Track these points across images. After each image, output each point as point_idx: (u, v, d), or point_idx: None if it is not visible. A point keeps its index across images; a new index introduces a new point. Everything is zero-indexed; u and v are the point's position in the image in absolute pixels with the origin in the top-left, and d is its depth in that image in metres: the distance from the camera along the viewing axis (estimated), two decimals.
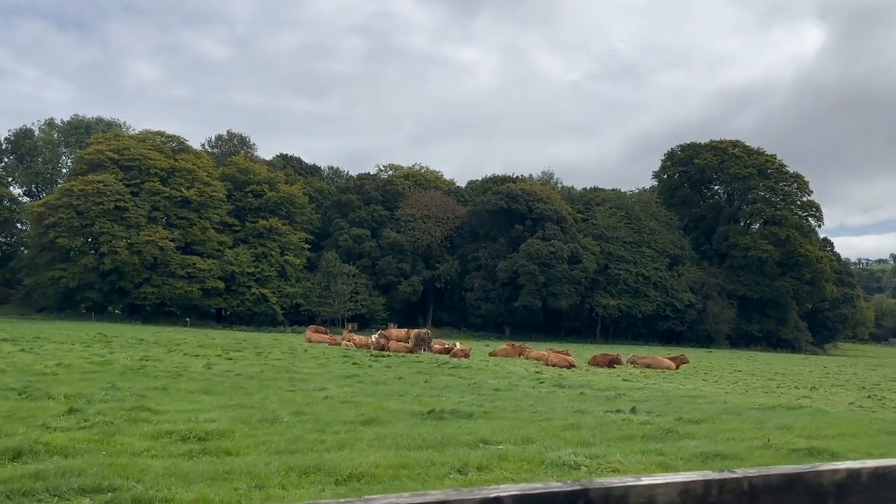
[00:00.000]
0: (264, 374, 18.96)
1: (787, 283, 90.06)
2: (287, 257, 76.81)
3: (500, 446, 9.44)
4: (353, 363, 25.43)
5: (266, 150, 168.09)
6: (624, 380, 24.79)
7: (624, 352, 46.20)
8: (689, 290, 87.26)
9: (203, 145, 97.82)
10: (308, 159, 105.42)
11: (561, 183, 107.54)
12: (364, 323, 78.32)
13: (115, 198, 69.52)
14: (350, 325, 70.18)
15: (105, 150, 72.77)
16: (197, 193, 73.41)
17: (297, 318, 76.38)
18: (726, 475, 1.45)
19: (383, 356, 31.33)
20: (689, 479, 1.40)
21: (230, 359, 24.16)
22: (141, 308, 73.26)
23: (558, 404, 15.78)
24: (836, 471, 1.57)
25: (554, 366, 31.71)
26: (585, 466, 8.19)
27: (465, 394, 17.20)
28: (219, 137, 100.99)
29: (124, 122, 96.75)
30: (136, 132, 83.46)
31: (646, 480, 1.34)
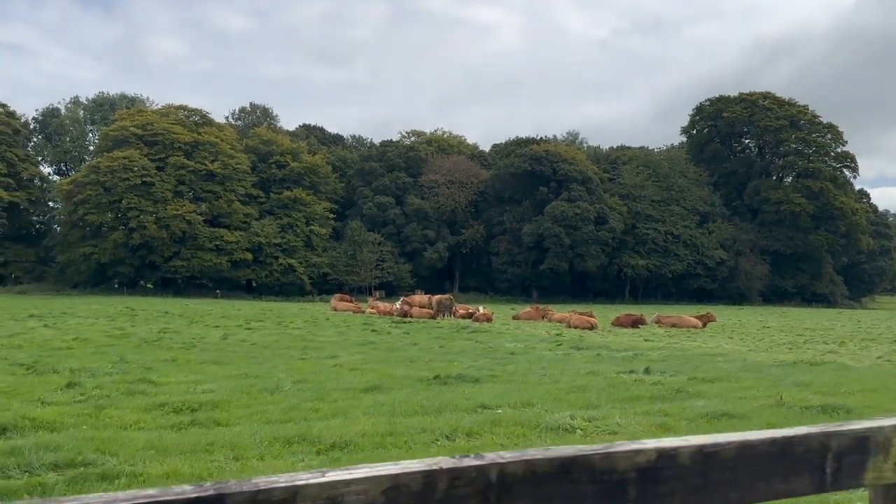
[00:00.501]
0: (279, 343, 19.02)
1: (822, 237, 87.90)
2: (312, 227, 77.12)
3: (499, 411, 9.24)
4: (373, 330, 25.45)
5: (291, 121, 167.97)
6: (646, 340, 24.42)
7: (653, 312, 45.61)
8: (721, 247, 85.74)
9: (227, 118, 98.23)
10: (334, 129, 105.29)
11: (586, 143, 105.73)
12: (391, 290, 78.61)
13: (140, 173, 70.23)
14: (377, 293, 70.61)
15: (129, 126, 73.30)
16: (221, 166, 73.77)
17: (325, 287, 76.95)
18: (465, 462, 1.13)
19: (405, 323, 31.36)
20: (404, 471, 1.08)
21: (249, 329, 24.33)
22: (172, 282, 74.47)
23: (571, 366, 15.53)
24: (639, 451, 1.25)
25: (576, 327, 31.42)
26: (581, 430, 7.94)
27: (478, 358, 17.04)
28: (242, 110, 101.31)
29: (147, 98, 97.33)
30: (159, 107, 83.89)
31: (331, 476, 1.04)
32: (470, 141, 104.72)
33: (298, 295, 74.92)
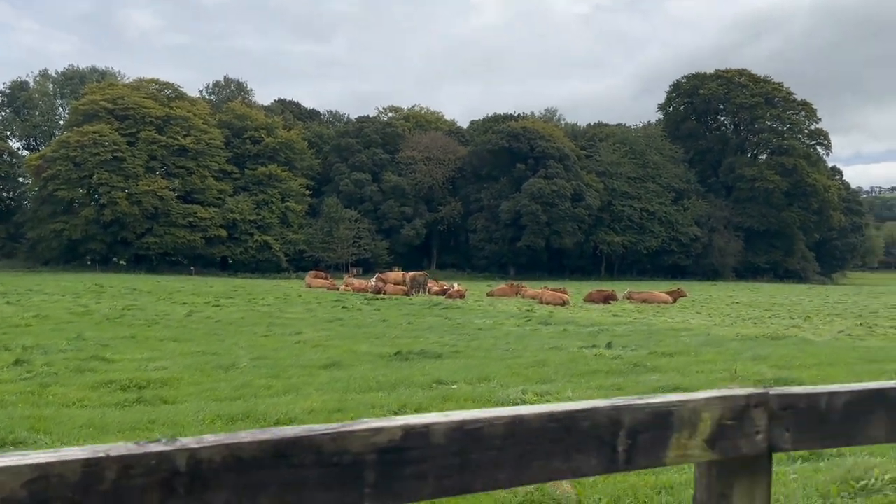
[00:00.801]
0: (245, 319, 18.86)
1: (794, 214, 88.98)
2: (288, 203, 76.43)
3: (454, 386, 9.22)
4: (343, 307, 25.34)
5: (269, 97, 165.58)
6: (614, 315, 24.58)
7: (627, 288, 45.98)
8: (695, 223, 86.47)
9: (201, 92, 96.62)
10: (316, 105, 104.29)
11: (564, 120, 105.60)
12: (368, 267, 78.34)
13: (111, 148, 68.94)
14: (353, 270, 70.47)
15: (99, 101, 71.74)
16: (194, 141, 72.62)
17: (302, 264, 76.47)
18: (145, 449, 0.99)
19: (377, 299, 31.26)
20: (58, 460, 0.94)
21: (217, 305, 24.10)
22: (146, 258, 73.61)
23: (536, 342, 15.57)
24: (379, 430, 1.12)
25: (548, 303, 31.57)
26: (529, 404, 7.94)
27: (444, 334, 17.03)
28: (216, 84, 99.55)
29: (119, 71, 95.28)
30: (130, 80, 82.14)
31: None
32: (448, 117, 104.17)
33: (274, 272, 74.41)
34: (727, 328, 19.27)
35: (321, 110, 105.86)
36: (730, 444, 1.40)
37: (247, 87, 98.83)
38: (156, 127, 72.26)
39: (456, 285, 40.46)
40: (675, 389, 9.25)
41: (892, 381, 1.67)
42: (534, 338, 16.63)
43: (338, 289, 40.66)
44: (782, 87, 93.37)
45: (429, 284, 39.96)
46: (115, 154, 68.93)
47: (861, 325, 20.58)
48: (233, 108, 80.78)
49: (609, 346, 14.30)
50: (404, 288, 37.89)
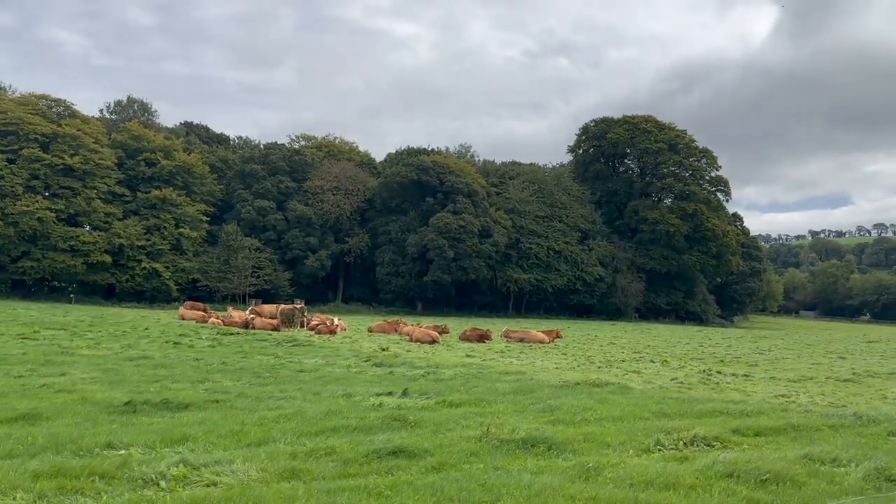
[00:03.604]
0: (19, 357, 16.53)
1: (694, 257, 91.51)
2: (182, 230, 72.80)
3: (122, 452, 7.54)
4: (175, 343, 23.12)
5: (214, 123, 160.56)
6: (467, 356, 23.35)
7: (533, 326, 45.14)
8: (600, 263, 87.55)
9: (101, 111, 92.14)
10: (251, 133, 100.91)
11: (478, 156, 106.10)
12: (269, 299, 74.99)
13: None
14: (254, 301, 67.27)
15: None
16: (82, 161, 68.46)
17: (195, 294, 72.72)
18: None
19: (231, 334, 29.10)
20: None
21: (24, 338, 21.51)
22: (21, 283, 68.49)
23: (340, 388, 13.97)
24: None
25: (417, 341, 30.25)
26: (172, 479, 6.36)
27: (245, 377, 15.29)
28: (117, 103, 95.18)
29: (10, 86, 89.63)
30: (17, 95, 77.28)
31: None
32: (363, 149, 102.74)
33: (164, 302, 70.40)
34: (564, 372, 18.25)
35: (231, 136, 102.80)
36: None
37: (151, 107, 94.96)
38: (40, 145, 67.83)
39: (336, 320, 38.68)
40: (397, 453, 7.90)
41: None
42: (346, 382, 15.08)
43: (206, 322, 38.23)
44: (685, 134, 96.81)
45: (306, 318, 38.11)
46: None
47: (704, 371, 20.01)
48: (129, 128, 76.95)
49: (404, 393, 12.92)
50: (272, 322, 35.83)
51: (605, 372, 19.12)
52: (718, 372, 20.00)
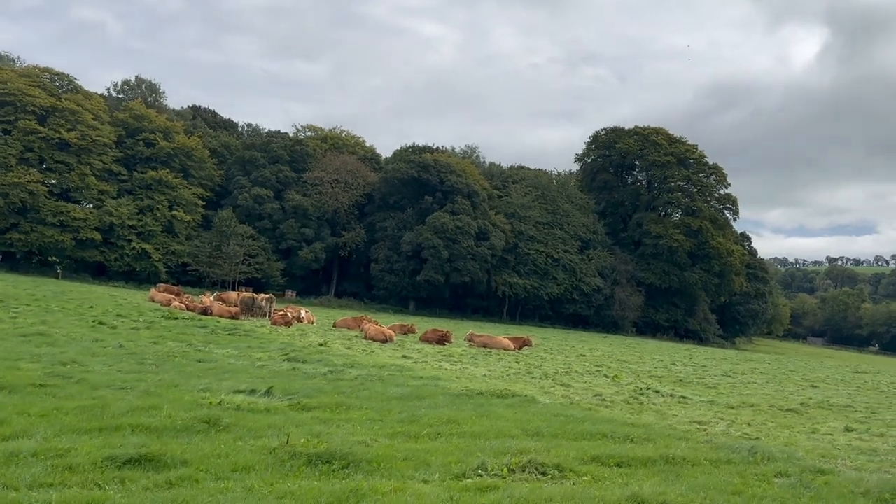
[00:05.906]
0: None
1: (696, 274, 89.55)
2: (176, 212, 72.22)
3: None
4: (99, 323, 22.16)
5: (226, 113, 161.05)
6: (403, 356, 22.15)
7: (527, 333, 43.46)
8: (598, 274, 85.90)
9: (108, 89, 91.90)
10: (276, 125, 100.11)
11: (484, 159, 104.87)
12: (260, 288, 74.39)
13: None
14: (243, 289, 66.51)
15: None
16: (79, 136, 68.06)
17: (185, 278, 72.16)
18: None
19: (175, 318, 28.20)
20: None
21: None
22: (10, 255, 68.22)
23: (212, 380, 12.92)
24: None
25: (370, 339, 29.17)
26: None
27: (121, 362, 14.25)
28: (125, 82, 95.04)
29: (18, 57, 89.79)
30: (22, 66, 77.17)
31: None
32: (368, 143, 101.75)
33: (153, 283, 69.78)
34: (480, 381, 16.99)
35: (239, 122, 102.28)
36: None
37: (159, 88, 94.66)
38: (37, 117, 67.53)
39: (303, 312, 37.76)
40: (140, 461, 6.76)
41: None
42: (229, 376, 14.05)
43: (169, 305, 37.42)
44: (696, 148, 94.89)
45: (273, 309, 37.17)
46: None
47: (639, 389, 18.68)
48: (132, 107, 76.57)
49: (268, 392, 11.79)
50: (233, 310, 34.85)
51: (529, 383, 17.84)
52: (656, 391, 18.64)
